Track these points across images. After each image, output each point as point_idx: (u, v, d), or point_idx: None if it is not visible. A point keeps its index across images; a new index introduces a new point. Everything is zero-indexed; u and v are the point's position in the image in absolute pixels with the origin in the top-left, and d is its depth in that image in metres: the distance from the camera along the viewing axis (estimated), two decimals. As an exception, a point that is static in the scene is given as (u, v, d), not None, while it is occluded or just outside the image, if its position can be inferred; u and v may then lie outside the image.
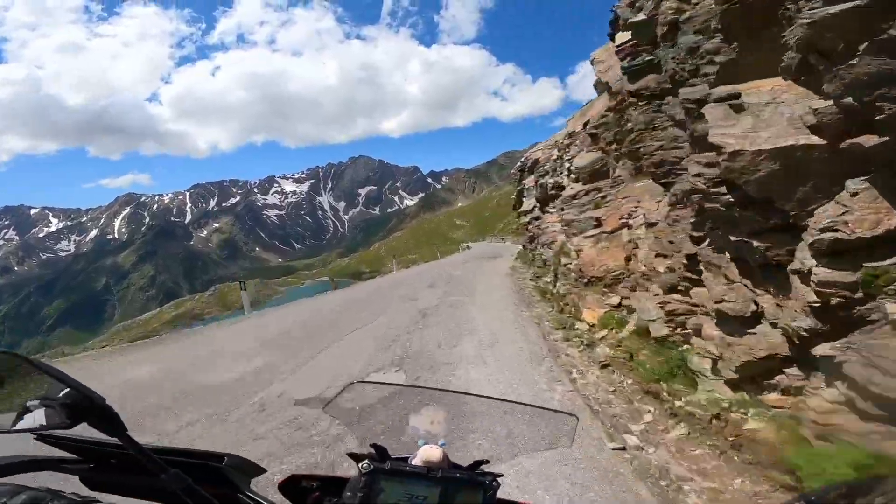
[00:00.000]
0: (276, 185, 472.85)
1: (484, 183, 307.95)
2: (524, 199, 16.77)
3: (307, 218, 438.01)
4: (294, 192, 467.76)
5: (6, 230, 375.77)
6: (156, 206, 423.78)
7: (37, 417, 0.65)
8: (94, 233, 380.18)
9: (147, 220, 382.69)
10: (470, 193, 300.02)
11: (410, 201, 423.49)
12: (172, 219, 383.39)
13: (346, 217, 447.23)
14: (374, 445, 0.92)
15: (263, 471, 0.92)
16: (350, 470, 0.88)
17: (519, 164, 20.69)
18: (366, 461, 0.86)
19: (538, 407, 1.03)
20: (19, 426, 0.66)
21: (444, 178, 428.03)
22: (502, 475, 0.91)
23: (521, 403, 1.04)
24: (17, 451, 0.76)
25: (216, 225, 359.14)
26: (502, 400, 1.04)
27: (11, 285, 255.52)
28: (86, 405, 0.64)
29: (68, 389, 0.64)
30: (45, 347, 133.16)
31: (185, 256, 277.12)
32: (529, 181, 16.33)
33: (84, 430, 0.67)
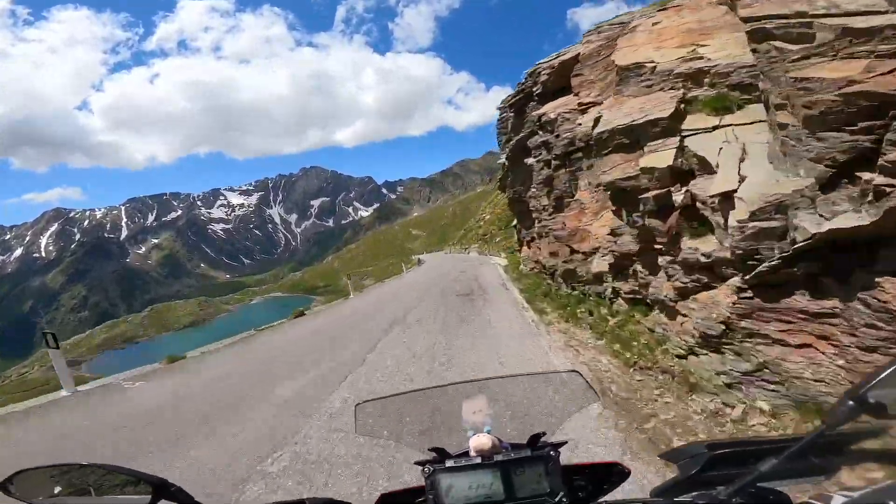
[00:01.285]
0: (221, 197, 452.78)
1: (439, 192, 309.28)
2: (533, 189, 12.01)
3: (256, 231, 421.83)
4: (242, 205, 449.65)
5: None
6: (87, 221, 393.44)
7: None
8: (18, 251, 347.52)
9: (78, 236, 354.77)
10: (425, 203, 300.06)
11: (365, 212, 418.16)
12: (106, 235, 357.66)
13: (299, 230, 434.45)
14: (432, 449, 0.96)
15: None
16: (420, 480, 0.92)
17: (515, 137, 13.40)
18: (427, 465, 0.91)
19: (541, 373, 1.08)
20: None
21: (398, 189, 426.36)
22: (565, 442, 0.92)
23: (524, 374, 1.09)
24: None
25: (155, 241, 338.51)
26: (507, 376, 1.07)
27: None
28: (158, 488, 0.82)
29: (143, 481, 0.83)
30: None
31: (122, 275, 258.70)
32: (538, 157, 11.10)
33: None
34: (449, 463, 0.90)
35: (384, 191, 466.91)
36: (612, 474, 0.97)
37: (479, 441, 0.92)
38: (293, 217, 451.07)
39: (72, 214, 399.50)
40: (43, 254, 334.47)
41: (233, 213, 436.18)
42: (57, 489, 0.88)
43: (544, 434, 0.95)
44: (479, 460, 0.89)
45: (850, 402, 0.66)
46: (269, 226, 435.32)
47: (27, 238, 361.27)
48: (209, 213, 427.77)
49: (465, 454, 0.94)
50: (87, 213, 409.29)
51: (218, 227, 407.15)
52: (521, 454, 0.89)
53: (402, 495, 0.99)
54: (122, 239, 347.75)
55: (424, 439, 1.01)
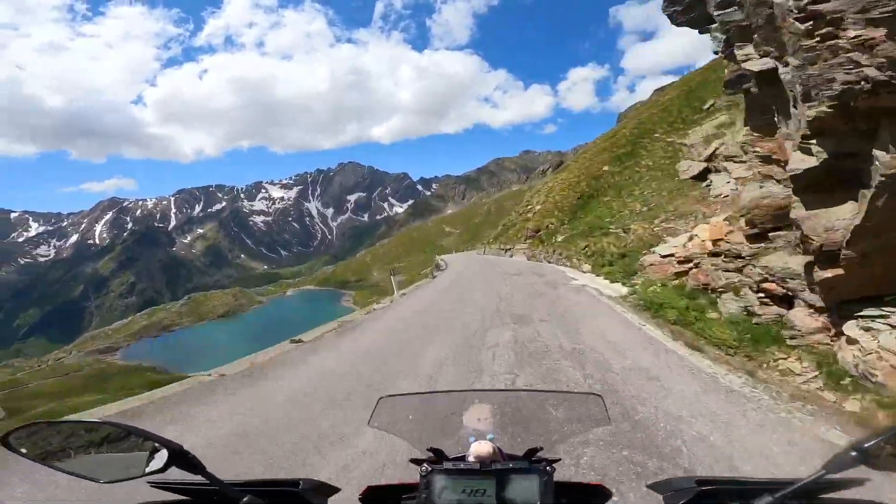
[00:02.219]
0: (263, 190, 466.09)
1: (474, 190, 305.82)
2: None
3: (295, 224, 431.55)
4: (282, 199, 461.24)
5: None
6: (139, 211, 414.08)
7: (137, 468, 0.84)
8: (74, 238, 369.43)
9: (130, 225, 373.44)
10: (460, 200, 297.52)
11: (400, 208, 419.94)
12: (156, 224, 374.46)
13: (335, 224, 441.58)
14: (431, 449, 0.97)
15: (338, 490, 0.97)
16: (415, 476, 0.92)
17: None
18: (425, 464, 0.92)
19: (562, 392, 1.09)
20: (126, 476, 0.84)
21: (433, 185, 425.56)
22: (559, 459, 0.93)
23: (547, 391, 1.05)
24: (142, 496, 0.90)
25: (200, 231, 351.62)
26: (529, 390, 1.08)
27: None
28: (173, 454, 0.82)
29: (156, 444, 0.83)
30: (20, 355, 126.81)
31: (168, 263, 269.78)
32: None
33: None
34: (447, 465, 0.91)
35: (419, 187, 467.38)
36: (596, 495, 0.98)
37: (481, 447, 0.92)
38: (330, 211, 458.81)
39: (125, 204, 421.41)
40: (97, 241, 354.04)
41: (273, 206, 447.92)
42: (60, 444, 0.87)
43: (541, 449, 0.96)
44: (477, 466, 0.89)
45: (853, 453, 0.68)
46: (307, 219, 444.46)
47: (83, 225, 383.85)
48: (251, 205, 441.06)
49: (463, 458, 0.94)
50: (140, 202, 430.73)
51: (259, 219, 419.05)
52: (519, 465, 0.90)
53: (389, 489, 1.00)
54: (170, 228, 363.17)
55: (428, 439, 1.01)
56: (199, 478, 0.83)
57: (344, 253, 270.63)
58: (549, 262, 20.50)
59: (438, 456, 0.96)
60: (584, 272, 15.21)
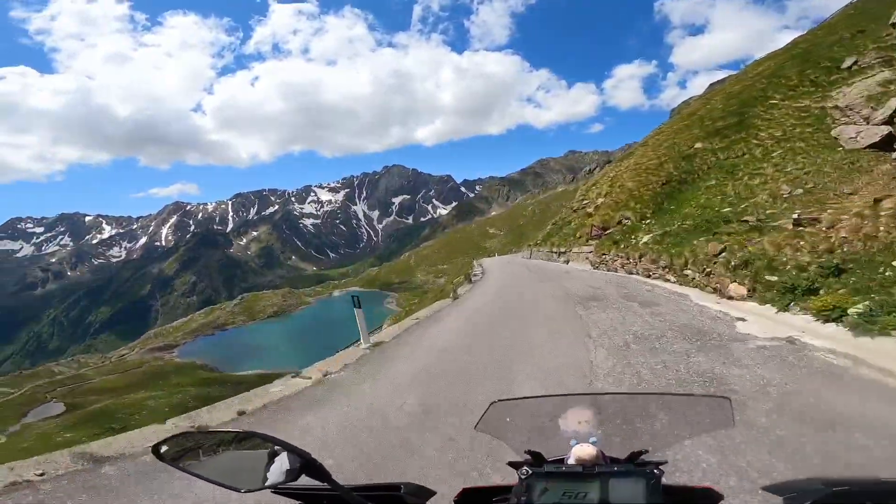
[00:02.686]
0: (312, 193, 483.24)
1: (518, 191, 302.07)
2: None
3: (342, 227, 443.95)
4: (330, 201, 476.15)
5: (62, 237, 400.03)
6: (200, 214, 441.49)
7: (274, 476, 0.88)
8: (143, 240, 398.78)
9: (192, 227, 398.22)
10: (503, 202, 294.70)
11: (443, 210, 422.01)
12: (215, 227, 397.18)
13: (380, 226, 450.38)
14: (529, 452, 0.97)
15: (434, 493, 1.00)
16: (509, 478, 0.92)
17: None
18: (524, 467, 0.91)
19: (685, 394, 0.99)
20: (264, 485, 0.89)
21: (477, 187, 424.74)
22: (665, 462, 0.90)
23: (667, 393, 1.05)
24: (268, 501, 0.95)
25: (255, 233, 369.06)
26: (647, 393, 1.04)
27: (63, 290, 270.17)
28: (304, 463, 0.88)
29: (291, 453, 0.89)
30: (91, 350, 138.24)
31: (225, 264, 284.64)
32: None
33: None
34: (549, 468, 0.91)
35: (462, 189, 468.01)
36: (705, 498, 0.95)
37: (584, 450, 0.92)
38: (375, 213, 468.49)
39: (188, 207, 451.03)
40: (163, 243, 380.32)
41: (322, 209, 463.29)
42: (205, 454, 0.93)
43: (646, 451, 0.94)
44: (579, 469, 0.89)
45: None
46: (354, 221, 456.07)
47: (150, 228, 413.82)
48: (301, 208, 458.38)
49: (562, 461, 0.94)
50: (201, 206, 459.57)
51: (308, 221, 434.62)
52: (624, 468, 0.89)
53: (485, 492, 0.99)
54: (228, 231, 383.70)
55: (527, 442, 1.00)
56: (312, 482, 0.88)
57: (389, 255, 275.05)
58: (635, 275, 14.88)
59: (537, 459, 0.96)
60: (731, 300, 8.91)
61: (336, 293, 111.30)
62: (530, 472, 0.90)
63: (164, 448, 0.92)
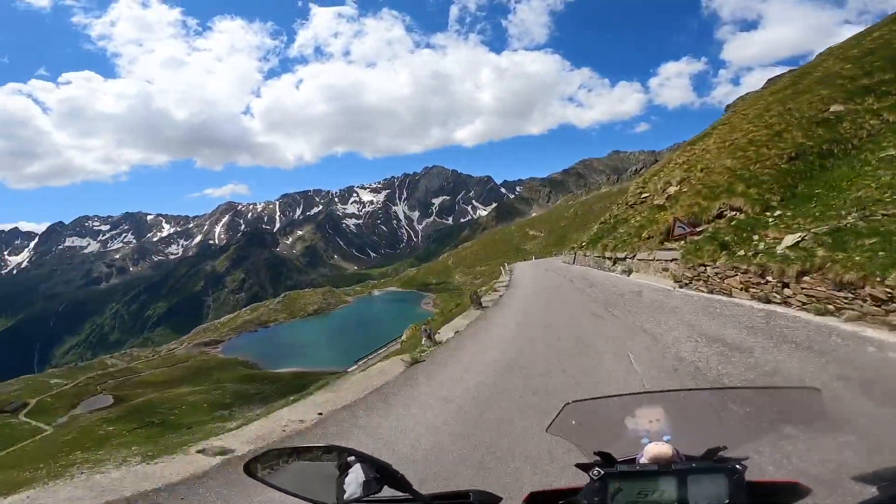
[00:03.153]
0: (354, 194, 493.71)
1: (559, 192, 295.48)
2: None
3: (383, 227, 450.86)
4: (371, 202, 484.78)
5: (126, 234, 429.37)
6: (250, 213, 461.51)
7: (356, 489, 0.90)
8: (198, 238, 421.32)
9: (242, 226, 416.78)
10: (544, 203, 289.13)
11: (483, 211, 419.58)
12: (263, 226, 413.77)
13: (420, 227, 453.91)
14: (598, 453, 0.94)
15: (500, 499, 1.00)
16: (574, 481, 0.91)
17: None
18: (595, 468, 0.89)
19: (772, 387, 1.02)
20: (347, 497, 0.89)
21: (517, 188, 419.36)
22: (747, 458, 0.88)
23: (750, 387, 1.01)
24: None
25: (300, 233, 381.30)
26: (726, 388, 0.98)
27: (125, 285, 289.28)
28: (385, 474, 0.89)
29: (372, 464, 0.90)
30: (148, 343, 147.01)
31: (272, 262, 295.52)
32: None
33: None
34: (622, 467, 0.89)
35: (502, 190, 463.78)
36: (792, 493, 0.92)
37: (658, 448, 0.90)
38: (415, 214, 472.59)
39: (239, 207, 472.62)
40: (216, 241, 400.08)
41: (363, 209, 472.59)
42: (292, 469, 0.96)
43: (724, 448, 0.91)
44: (654, 467, 0.87)
45: None
46: (394, 222, 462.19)
47: (205, 227, 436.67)
48: (344, 208, 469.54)
49: (633, 461, 0.93)
50: (251, 206, 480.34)
51: (350, 221, 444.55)
52: (703, 464, 0.86)
53: (552, 495, 0.99)
54: (275, 230, 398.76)
55: (595, 444, 1.00)
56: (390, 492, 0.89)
57: (428, 255, 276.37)
58: (785, 307, 8.20)
59: (607, 459, 0.94)
60: None
61: (375, 293, 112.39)
62: (602, 472, 0.88)
63: (255, 466, 0.94)
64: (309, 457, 0.97)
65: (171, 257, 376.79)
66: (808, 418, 1.01)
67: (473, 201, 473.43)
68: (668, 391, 1.07)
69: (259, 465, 0.95)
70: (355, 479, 0.90)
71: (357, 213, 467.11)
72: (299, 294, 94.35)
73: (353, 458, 0.93)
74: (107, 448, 21.22)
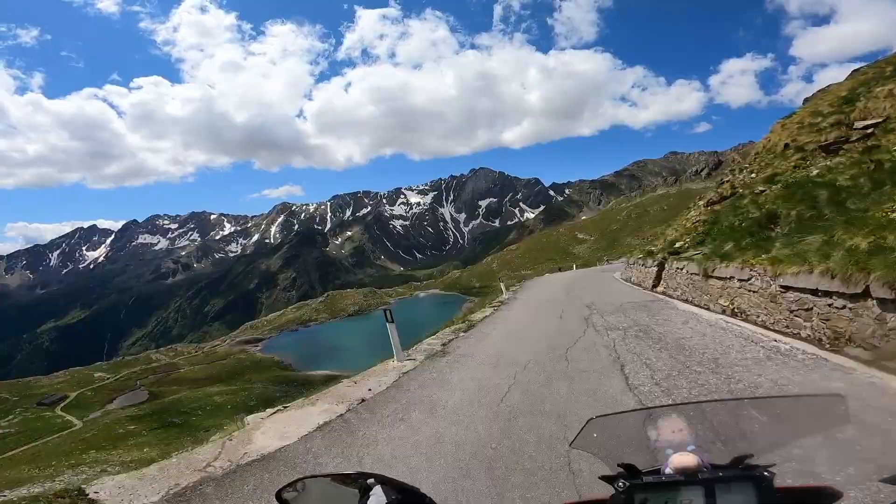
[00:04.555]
0: (402, 196, 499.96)
1: (611, 195, 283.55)
2: None
3: (429, 229, 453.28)
4: (418, 204, 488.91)
5: (191, 232, 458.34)
6: (303, 214, 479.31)
7: None
8: (255, 237, 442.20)
9: (296, 226, 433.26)
10: (595, 206, 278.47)
11: (531, 214, 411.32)
12: (315, 226, 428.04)
13: (467, 229, 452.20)
14: (622, 465, 0.94)
15: None
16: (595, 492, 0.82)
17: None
18: (621, 480, 0.89)
19: (795, 395, 0.97)
20: None
21: (566, 190, 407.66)
22: (774, 465, 0.87)
23: (774, 396, 0.99)
24: None
25: (349, 233, 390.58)
26: (748, 398, 1.02)
27: (189, 281, 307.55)
28: (412, 499, 0.90)
29: (400, 491, 0.90)
30: (206, 338, 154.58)
31: (322, 261, 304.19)
32: None
33: None
34: (648, 478, 0.89)
35: (551, 192, 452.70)
36: (822, 497, 0.91)
37: (683, 459, 0.89)
38: (462, 216, 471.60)
39: (293, 208, 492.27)
40: (272, 240, 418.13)
41: (410, 211, 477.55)
42: (324, 497, 0.96)
43: (751, 456, 0.91)
44: (681, 477, 0.87)
45: None
46: (441, 224, 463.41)
47: (262, 226, 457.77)
48: (391, 210, 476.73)
49: (658, 472, 0.92)
50: (304, 206, 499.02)
51: (398, 223, 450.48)
52: (731, 473, 0.86)
53: None
54: (326, 230, 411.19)
55: (618, 456, 0.99)
56: None
57: (474, 257, 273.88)
58: None
59: (631, 471, 0.93)
60: None
61: (417, 294, 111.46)
62: (628, 483, 0.88)
63: (286, 493, 0.94)
64: (338, 483, 0.96)
65: (231, 255, 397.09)
66: (831, 424, 1.00)
67: (521, 203, 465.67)
68: (689, 403, 1.08)
69: (291, 492, 0.95)
70: (376, 502, 0.89)
71: (404, 214, 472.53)
72: (341, 294, 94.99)
73: (383, 486, 0.91)
74: (121, 448, 20.87)
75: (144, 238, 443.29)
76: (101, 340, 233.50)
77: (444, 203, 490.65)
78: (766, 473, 0.85)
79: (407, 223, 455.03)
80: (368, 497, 0.90)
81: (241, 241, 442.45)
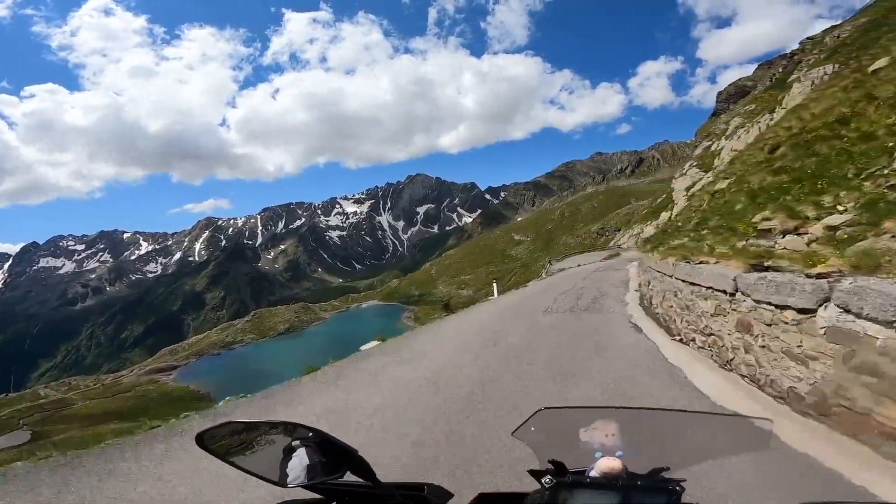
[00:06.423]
0: (337, 206, 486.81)
1: (545, 196, 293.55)
2: None
3: (367, 238, 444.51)
4: (355, 213, 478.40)
5: (101, 253, 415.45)
6: (231, 229, 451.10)
7: (317, 472, 0.87)
8: (178, 255, 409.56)
9: (223, 242, 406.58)
10: (530, 207, 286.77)
11: (469, 218, 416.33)
12: (245, 241, 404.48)
13: (405, 236, 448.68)
14: (552, 461, 0.97)
15: (452, 495, 1.00)
16: (524, 486, 0.93)
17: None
18: (547, 476, 0.92)
19: (724, 414, 0.99)
20: (307, 480, 0.86)
21: (502, 193, 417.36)
22: (685, 480, 0.90)
23: (711, 413, 1.08)
24: (289, 496, 0.93)
25: (282, 246, 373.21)
26: (680, 411, 1.05)
27: (101, 305, 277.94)
28: (349, 458, 0.87)
29: (335, 447, 0.87)
30: (125, 365, 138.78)
31: (254, 278, 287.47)
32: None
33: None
34: (572, 478, 0.91)
35: (487, 196, 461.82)
36: None
37: (609, 463, 0.91)
38: (401, 224, 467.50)
39: (220, 222, 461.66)
40: (196, 258, 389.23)
41: (347, 221, 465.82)
42: (249, 445, 0.92)
43: (667, 469, 0.94)
44: (603, 481, 0.89)
45: None
46: (379, 232, 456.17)
47: (184, 243, 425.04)
48: (327, 220, 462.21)
49: (583, 473, 0.94)
50: (231, 220, 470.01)
51: (334, 234, 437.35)
52: (647, 483, 0.88)
53: (502, 498, 0.99)
54: (257, 245, 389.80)
55: (551, 451, 1.01)
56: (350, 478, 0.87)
57: (414, 265, 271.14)
58: None
59: (559, 468, 0.95)
60: None
61: (354, 307, 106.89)
62: (553, 480, 0.90)
63: (207, 436, 0.90)
64: (269, 433, 0.93)
65: (150, 276, 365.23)
66: (754, 447, 1.02)
67: (458, 209, 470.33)
68: (631, 408, 1.11)
69: (214, 437, 0.91)
70: (318, 462, 0.87)
71: (341, 224, 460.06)
72: (270, 312, 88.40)
73: (319, 439, 0.89)
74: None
75: (47, 261, 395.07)
76: (6, 373, 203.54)
77: (382, 211, 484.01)
78: (677, 488, 0.87)
79: (344, 233, 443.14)
80: (304, 454, 0.88)
81: (161, 260, 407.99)
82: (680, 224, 14.86)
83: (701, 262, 6.79)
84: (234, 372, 53.98)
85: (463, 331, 11.33)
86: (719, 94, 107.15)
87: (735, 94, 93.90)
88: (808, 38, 59.65)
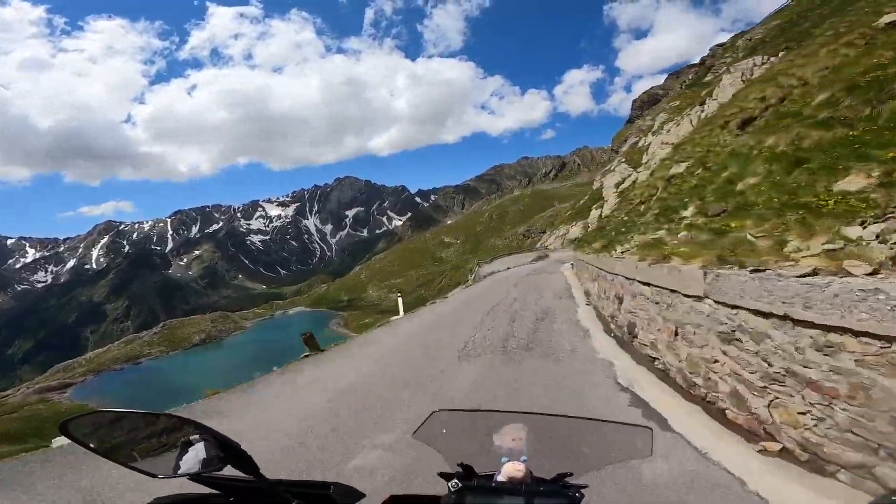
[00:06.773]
0: (260, 209, 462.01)
1: (474, 199, 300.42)
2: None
3: (293, 242, 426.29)
4: (279, 217, 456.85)
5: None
6: (135, 234, 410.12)
7: (194, 464, 0.83)
8: (71, 263, 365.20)
9: (126, 248, 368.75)
10: (459, 210, 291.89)
11: (399, 221, 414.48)
12: (153, 247, 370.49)
13: (334, 240, 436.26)
14: (461, 465, 0.97)
15: (363, 496, 0.99)
16: (438, 489, 0.94)
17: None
18: (454, 480, 0.93)
19: (612, 422, 1.08)
20: (182, 471, 0.83)
21: (432, 197, 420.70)
22: (587, 486, 0.93)
23: (596, 420, 1.11)
24: (171, 491, 0.91)
25: (197, 252, 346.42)
26: (578, 418, 1.08)
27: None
28: (230, 452, 0.84)
29: (215, 440, 0.84)
30: (16, 384, 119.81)
31: (164, 286, 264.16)
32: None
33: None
34: (478, 482, 0.92)
35: (418, 199, 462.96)
36: None
37: (514, 468, 0.92)
38: (328, 227, 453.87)
39: (122, 227, 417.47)
40: (94, 266, 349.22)
41: (271, 225, 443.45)
42: (120, 435, 0.88)
43: (570, 475, 0.95)
44: (507, 486, 0.90)
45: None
46: (306, 236, 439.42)
47: (79, 250, 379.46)
48: (248, 224, 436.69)
49: (491, 477, 0.95)
50: (136, 225, 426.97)
51: (257, 238, 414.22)
52: (549, 489, 0.90)
53: (412, 500, 1.00)
54: (167, 251, 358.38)
55: (460, 455, 1.01)
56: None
57: (343, 269, 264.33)
58: None
59: (468, 472, 0.96)
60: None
61: (279, 315, 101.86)
62: (460, 484, 0.91)
63: (73, 425, 0.84)
64: (142, 424, 0.89)
65: (39, 286, 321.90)
66: (636, 454, 1.06)
67: (389, 211, 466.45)
68: (532, 413, 1.11)
69: (81, 426, 0.85)
70: (194, 453, 0.84)
71: (264, 228, 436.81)
72: (182, 323, 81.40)
73: (195, 431, 0.86)
74: None
75: None
76: None
77: (309, 215, 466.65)
78: (577, 494, 0.89)
79: (267, 238, 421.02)
80: (188, 451, 0.84)
81: (51, 268, 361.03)
82: (625, 218, 13.39)
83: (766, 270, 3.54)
84: (140, 388, 49.09)
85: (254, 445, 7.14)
86: (634, 101, 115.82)
87: (648, 102, 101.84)
88: (717, 45, 67.32)
